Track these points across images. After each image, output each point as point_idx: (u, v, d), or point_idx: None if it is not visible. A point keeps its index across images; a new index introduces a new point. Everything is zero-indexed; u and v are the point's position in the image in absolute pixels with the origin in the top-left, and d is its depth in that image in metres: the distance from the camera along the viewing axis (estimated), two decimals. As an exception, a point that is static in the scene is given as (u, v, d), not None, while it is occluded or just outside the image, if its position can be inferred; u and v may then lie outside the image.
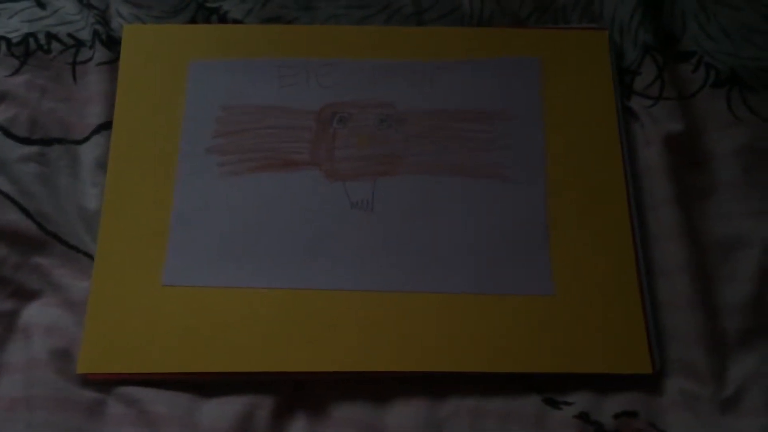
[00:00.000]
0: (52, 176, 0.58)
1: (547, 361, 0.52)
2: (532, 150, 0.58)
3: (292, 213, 0.56)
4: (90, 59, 0.62)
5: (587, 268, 0.55)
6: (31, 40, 0.63)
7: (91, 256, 0.56)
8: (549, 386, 0.52)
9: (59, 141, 0.59)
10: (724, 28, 0.64)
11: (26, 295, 0.54)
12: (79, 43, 0.63)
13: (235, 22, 0.64)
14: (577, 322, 0.53)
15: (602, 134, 0.59)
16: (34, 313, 0.53)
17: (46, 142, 0.59)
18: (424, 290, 0.54)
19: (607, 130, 0.59)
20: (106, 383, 0.52)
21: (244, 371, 0.52)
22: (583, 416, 0.51)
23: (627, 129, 0.60)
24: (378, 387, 0.52)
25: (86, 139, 0.60)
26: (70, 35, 0.63)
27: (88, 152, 0.59)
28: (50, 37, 0.63)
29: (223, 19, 0.64)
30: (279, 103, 0.60)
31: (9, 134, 0.59)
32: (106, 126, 0.60)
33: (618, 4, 0.64)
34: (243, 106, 0.60)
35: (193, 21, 0.64)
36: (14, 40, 0.62)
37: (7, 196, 0.56)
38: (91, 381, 0.52)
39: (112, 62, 0.62)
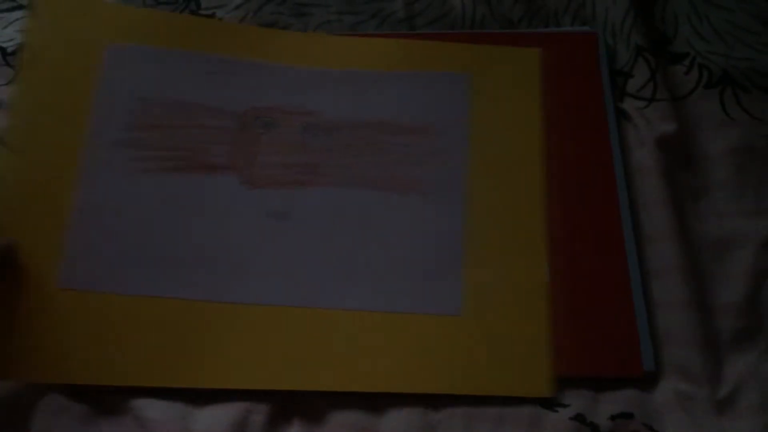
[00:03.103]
0: None
1: (452, 382, 0.51)
2: (454, 166, 0.57)
3: (204, 220, 0.54)
4: (84, 68, 0.62)
5: (499, 288, 0.53)
6: (26, 49, 0.63)
7: None
8: (544, 388, 0.52)
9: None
10: (716, 30, 0.64)
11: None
12: (73, 52, 0.63)
13: (229, 29, 0.64)
14: (485, 343, 0.52)
15: (526, 151, 0.58)
16: None
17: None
18: (334, 307, 0.52)
19: (530, 147, 0.58)
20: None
21: (138, 385, 0.50)
22: (579, 418, 0.51)
23: (620, 130, 0.60)
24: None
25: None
26: None
27: None
28: (45, 46, 0.63)
29: (216, 27, 0.64)
30: (202, 100, 0.57)
31: (5, 143, 0.59)
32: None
33: (610, 7, 0.65)
34: (163, 99, 0.57)
35: (186, 29, 0.65)
36: (9, 50, 0.63)
37: None
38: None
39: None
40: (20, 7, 0.65)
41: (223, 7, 0.65)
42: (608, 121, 0.60)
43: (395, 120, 0.58)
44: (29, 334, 0.50)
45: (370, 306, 0.52)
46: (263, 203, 0.55)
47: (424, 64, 0.60)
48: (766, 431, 0.50)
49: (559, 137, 0.59)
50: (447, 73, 0.60)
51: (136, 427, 0.50)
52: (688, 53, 0.63)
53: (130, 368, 0.50)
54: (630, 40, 0.63)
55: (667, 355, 0.53)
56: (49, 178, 0.53)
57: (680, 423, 0.51)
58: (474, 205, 0.56)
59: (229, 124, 0.57)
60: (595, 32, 0.63)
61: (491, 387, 0.51)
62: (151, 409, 0.51)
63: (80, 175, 0.53)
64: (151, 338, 0.51)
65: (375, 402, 0.52)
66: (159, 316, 0.51)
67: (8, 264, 0.50)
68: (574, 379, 0.52)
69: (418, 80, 0.60)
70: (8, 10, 0.65)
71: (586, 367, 0.52)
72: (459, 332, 0.52)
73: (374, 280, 0.53)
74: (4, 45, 0.63)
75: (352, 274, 0.53)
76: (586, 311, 0.54)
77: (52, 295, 0.50)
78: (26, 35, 0.56)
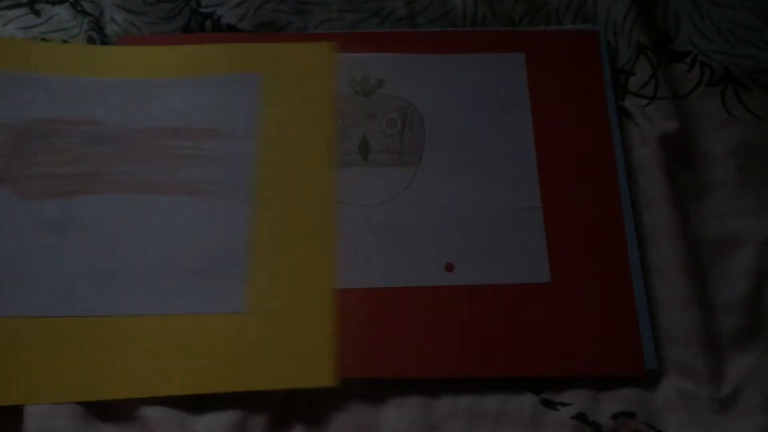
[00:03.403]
0: None
1: (239, 378, 0.51)
2: (241, 167, 0.57)
3: None
4: (84, 66, 0.62)
5: (285, 285, 0.53)
6: (26, 47, 0.63)
7: None
8: (545, 386, 0.52)
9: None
10: (718, 27, 0.64)
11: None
12: (73, 50, 0.63)
13: (229, 27, 0.64)
14: (270, 339, 0.52)
15: (317, 149, 0.58)
16: None
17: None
18: (116, 314, 0.52)
19: (321, 144, 0.58)
20: None
21: None
22: (581, 417, 0.51)
23: (621, 129, 0.60)
24: (373, 388, 0.52)
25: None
26: (64, 42, 0.63)
27: None
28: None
29: (216, 24, 0.64)
30: None
31: None
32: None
33: (611, 5, 0.64)
34: None
35: (187, 26, 0.65)
36: (9, 48, 0.63)
37: None
38: None
39: (107, 68, 0.62)
40: (20, 5, 0.65)
41: (223, 5, 0.65)
42: (610, 120, 0.60)
43: (181, 125, 0.58)
44: None
45: (153, 310, 0.52)
46: (37, 214, 0.55)
47: (215, 68, 0.61)
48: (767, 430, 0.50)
49: (560, 135, 0.59)
50: (237, 75, 0.60)
51: (137, 427, 0.50)
52: (690, 51, 0.63)
53: None
54: (631, 38, 0.63)
55: (668, 354, 0.53)
56: None
57: (682, 422, 0.50)
58: (262, 205, 0.56)
59: (4, 138, 0.57)
60: (597, 30, 0.63)
61: (276, 381, 0.51)
62: (153, 408, 0.51)
63: None
64: None
65: (376, 397, 0.52)
66: None
67: None
68: (575, 378, 0.52)
69: (207, 84, 0.60)
70: (8, 8, 0.65)
71: (589, 366, 0.52)
72: (243, 329, 0.52)
73: (156, 285, 0.53)
74: (3, 43, 0.63)
75: (134, 280, 0.53)
76: (588, 310, 0.53)
77: None
78: None
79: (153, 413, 0.50)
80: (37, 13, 0.65)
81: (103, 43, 0.63)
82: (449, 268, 0.55)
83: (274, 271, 0.54)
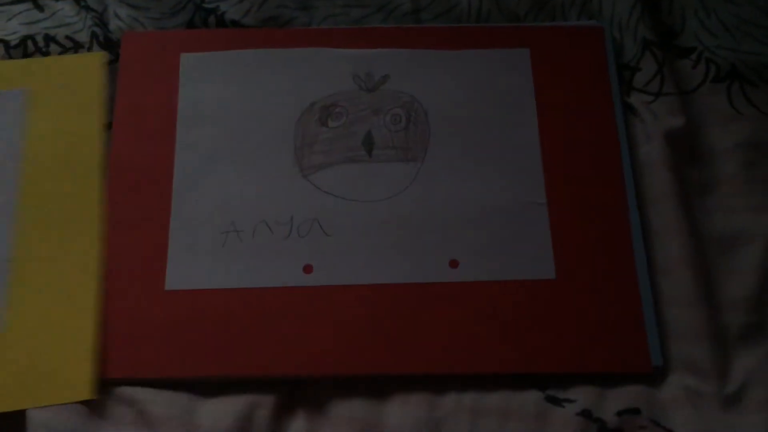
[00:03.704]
0: None
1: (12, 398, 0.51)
2: (4, 187, 0.56)
3: None
4: (87, 61, 0.62)
5: (46, 301, 0.53)
6: (30, 42, 0.63)
7: None
8: (550, 383, 0.52)
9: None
10: (724, 23, 0.64)
11: None
12: (77, 46, 0.63)
13: (233, 22, 0.64)
14: (29, 356, 0.52)
15: (83, 164, 0.57)
16: None
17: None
18: None
19: (88, 158, 0.57)
20: None
21: None
22: (586, 414, 0.51)
23: (627, 125, 0.60)
24: (377, 384, 0.52)
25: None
26: (68, 37, 0.63)
27: None
28: (48, 39, 0.63)
29: (220, 20, 0.64)
30: None
31: None
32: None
33: (616, 1, 0.64)
34: None
35: (191, 22, 0.64)
36: (12, 43, 0.63)
37: None
38: None
39: (110, 64, 0.62)
40: (24, 0, 0.65)
41: (227, 0, 0.65)
42: (615, 116, 0.60)
43: None
44: None
45: None
46: None
47: None
48: (774, 427, 0.50)
49: (565, 132, 0.59)
50: (0, 92, 0.59)
51: (141, 421, 0.50)
52: (696, 47, 0.63)
53: None
54: (637, 33, 0.63)
55: (674, 350, 0.53)
56: None
57: (688, 418, 0.50)
58: (25, 224, 0.55)
59: None
60: (602, 26, 0.63)
61: (33, 399, 0.50)
62: (156, 403, 0.51)
63: None
64: None
65: (380, 393, 0.52)
66: None
67: None
68: (580, 375, 0.52)
69: None
70: (11, 3, 0.65)
71: (594, 363, 0.52)
72: (2, 349, 0.52)
73: None
74: (6, 38, 0.63)
75: None
76: (593, 307, 0.53)
77: None
78: None
79: (155, 409, 0.50)
80: (41, 9, 0.65)
81: (107, 39, 0.63)
82: (454, 264, 0.55)
83: (35, 289, 0.54)
